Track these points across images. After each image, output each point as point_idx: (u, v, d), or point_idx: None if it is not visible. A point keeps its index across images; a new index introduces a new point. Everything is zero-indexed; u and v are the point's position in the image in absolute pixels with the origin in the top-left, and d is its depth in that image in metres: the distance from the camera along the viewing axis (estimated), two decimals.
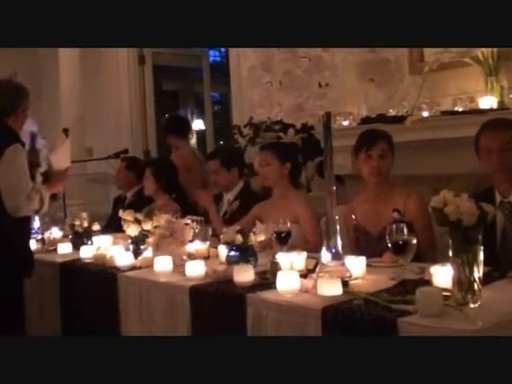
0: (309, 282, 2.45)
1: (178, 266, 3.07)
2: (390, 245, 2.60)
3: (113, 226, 4.74)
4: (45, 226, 4.67)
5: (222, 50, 13.51)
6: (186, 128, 6.24)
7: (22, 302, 3.50)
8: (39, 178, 3.79)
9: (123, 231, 3.58)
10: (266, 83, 5.96)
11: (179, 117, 7.73)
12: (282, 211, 3.42)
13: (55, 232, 4.42)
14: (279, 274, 2.47)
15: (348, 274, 2.49)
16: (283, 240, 2.98)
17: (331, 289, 2.31)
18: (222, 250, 3.11)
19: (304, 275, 2.56)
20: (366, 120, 4.64)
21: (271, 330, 2.40)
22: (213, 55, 9.14)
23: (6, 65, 9.36)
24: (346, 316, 2.14)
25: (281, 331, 2.36)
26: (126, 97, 8.04)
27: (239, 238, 2.89)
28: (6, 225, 3.35)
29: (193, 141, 9.54)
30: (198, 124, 9.74)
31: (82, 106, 7.51)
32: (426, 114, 4.36)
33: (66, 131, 5.07)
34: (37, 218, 4.75)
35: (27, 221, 3.60)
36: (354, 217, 3.45)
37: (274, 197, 3.95)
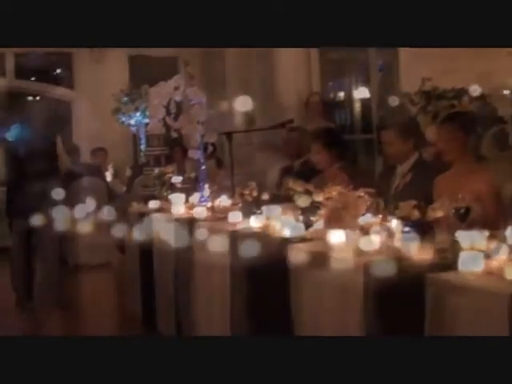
0: (494, 264, 2.30)
1: (351, 240, 2.99)
2: None
3: (280, 196, 4.74)
4: (213, 194, 4.75)
5: None
6: None
7: None
8: None
9: (291, 201, 3.55)
10: None
11: None
12: (464, 188, 3.21)
13: (224, 200, 4.47)
14: (462, 254, 2.34)
15: None
16: (462, 217, 2.82)
17: None
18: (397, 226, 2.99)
19: (486, 256, 2.40)
20: None
21: (450, 313, 2.28)
22: None
23: None
24: None
25: (460, 315, 2.25)
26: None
27: (416, 214, 2.76)
28: None
29: (357, 110, 9.37)
30: (362, 92, 9.50)
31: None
32: None
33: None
34: (206, 187, 4.86)
35: None
36: None
37: (456, 172, 3.69)
